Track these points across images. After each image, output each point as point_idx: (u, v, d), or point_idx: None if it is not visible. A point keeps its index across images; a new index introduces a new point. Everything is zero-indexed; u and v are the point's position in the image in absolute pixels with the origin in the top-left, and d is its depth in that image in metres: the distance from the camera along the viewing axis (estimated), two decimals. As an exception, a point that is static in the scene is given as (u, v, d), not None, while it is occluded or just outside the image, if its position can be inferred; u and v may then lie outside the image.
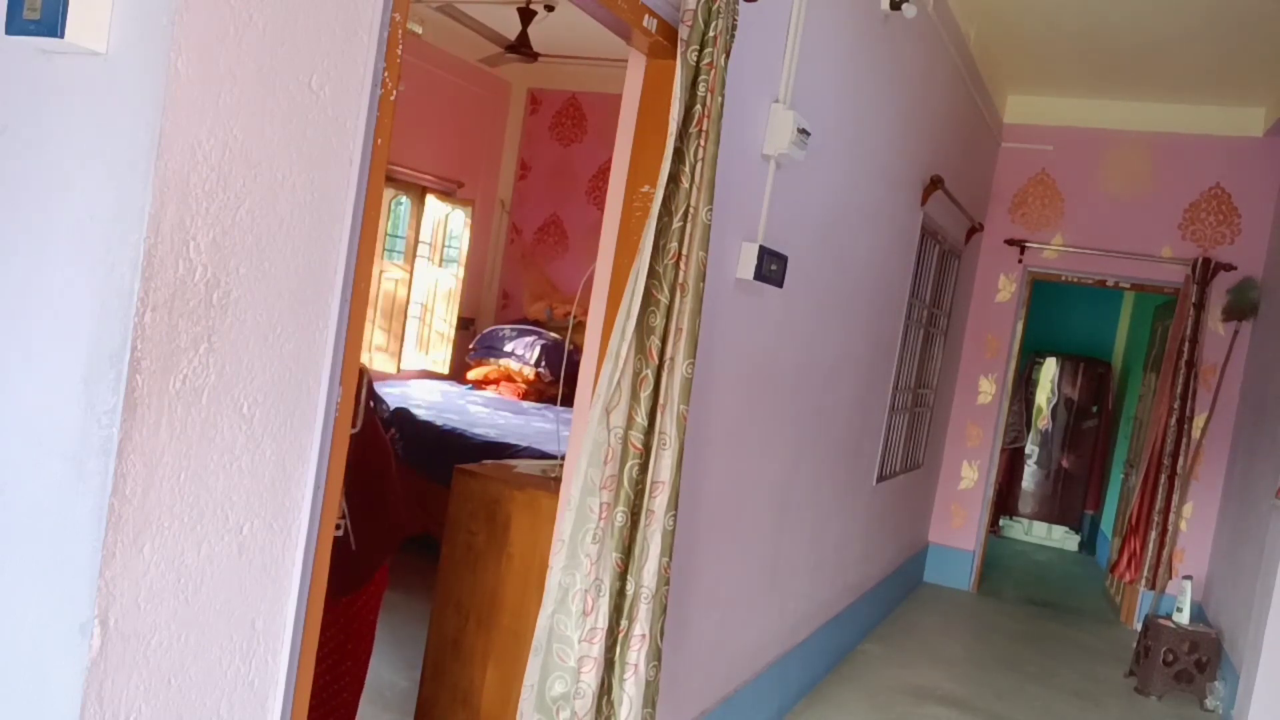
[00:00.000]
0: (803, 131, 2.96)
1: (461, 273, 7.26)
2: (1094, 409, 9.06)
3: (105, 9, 1.24)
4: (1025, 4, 4.82)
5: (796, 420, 3.69)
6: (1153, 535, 5.90)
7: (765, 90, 2.88)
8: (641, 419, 2.16)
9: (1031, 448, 9.14)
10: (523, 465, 3.14)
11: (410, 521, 2.57)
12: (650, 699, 2.26)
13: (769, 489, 3.53)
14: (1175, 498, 5.91)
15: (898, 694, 4.55)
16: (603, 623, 2.18)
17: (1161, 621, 5.13)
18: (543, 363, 6.50)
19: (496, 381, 6.65)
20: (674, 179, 2.16)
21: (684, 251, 2.18)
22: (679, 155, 2.16)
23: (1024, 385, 8.83)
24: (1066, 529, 9.07)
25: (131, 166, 1.24)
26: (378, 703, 3.43)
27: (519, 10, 5.23)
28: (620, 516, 2.17)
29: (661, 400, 2.20)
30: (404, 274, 6.85)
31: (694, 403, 2.53)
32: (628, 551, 2.21)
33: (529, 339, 6.61)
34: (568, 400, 3.63)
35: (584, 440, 2.15)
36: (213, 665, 1.44)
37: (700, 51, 2.16)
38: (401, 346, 6.85)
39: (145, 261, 1.23)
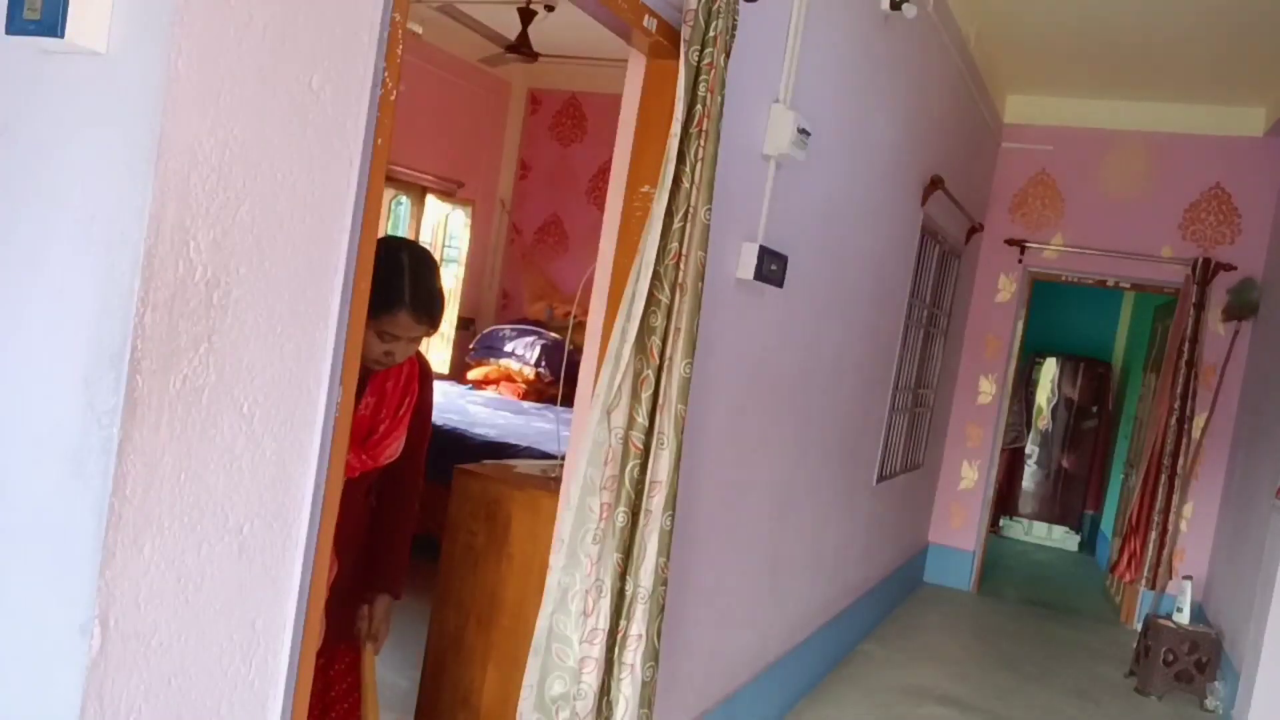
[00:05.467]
0: (803, 131, 2.96)
1: (461, 273, 7.26)
2: (1094, 409, 9.06)
3: (105, 9, 1.24)
4: (1025, 4, 4.82)
5: (796, 420, 3.69)
6: (1153, 535, 5.90)
7: (765, 90, 2.88)
8: (642, 419, 2.16)
9: (1031, 448, 9.14)
10: (523, 465, 3.14)
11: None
12: (647, 699, 2.26)
13: (768, 489, 3.53)
14: (1175, 498, 5.91)
15: (898, 694, 4.55)
16: (603, 624, 2.18)
17: (1161, 621, 5.13)
18: (543, 363, 6.49)
19: (496, 381, 6.65)
20: (674, 179, 2.16)
21: (684, 251, 2.18)
22: (679, 155, 2.16)
23: (1024, 385, 8.83)
24: (1066, 529, 9.07)
25: (131, 166, 1.24)
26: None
27: (519, 10, 5.23)
28: (621, 517, 2.17)
29: (660, 400, 2.20)
30: (404, 274, 6.84)
31: (693, 403, 2.52)
32: (627, 552, 2.21)
33: (529, 339, 6.61)
34: (568, 400, 3.63)
35: (584, 440, 2.15)
36: (213, 665, 1.44)
37: (700, 51, 2.16)
38: (401, 346, 6.84)
39: (145, 261, 1.23)
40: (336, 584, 2.15)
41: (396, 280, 1.96)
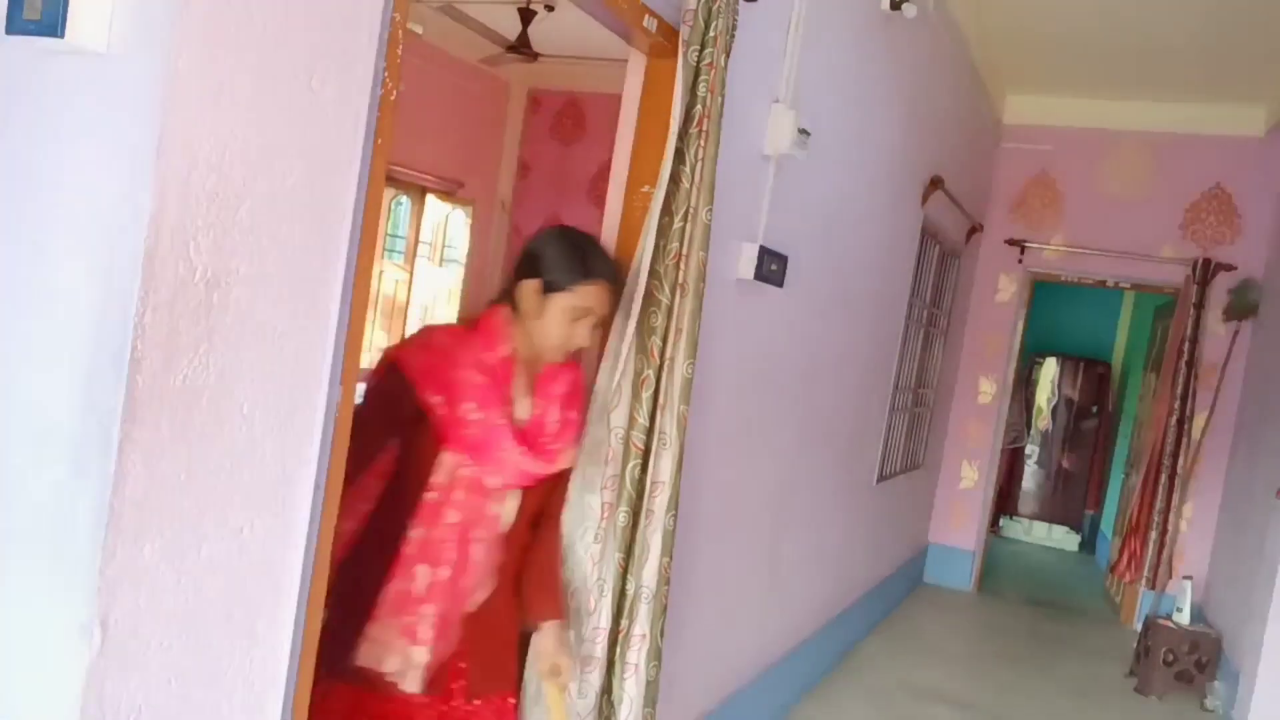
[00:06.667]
0: (803, 131, 2.96)
1: (462, 273, 7.26)
2: (1094, 409, 9.05)
3: (105, 9, 1.24)
4: (1025, 4, 4.82)
5: (797, 420, 3.69)
6: (1153, 535, 5.90)
7: (765, 90, 2.88)
8: (643, 419, 2.16)
9: (1031, 448, 9.13)
10: (523, 465, 3.13)
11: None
12: (651, 699, 2.26)
13: (769, 489, 3.53)
14: (1175, 498, 5.91)
15: (898, 693, 4.55)
16: (605, 623, 2.18)
17: (1161, 621, 5.13)
18: (543, 363, 6.49)
19: (496, 381, 6.64)
20: (674, 179, 2.16)
21: (684, 251, 2.18)
22: (679, 155, 2.16)
23: (1024, 385, 8.83)
24: (1066, 529, 9.07)
25: (131, 166, 1.24)
26: (378, 703, 3.42)
27: (519, 10, 5.23)
28: (623, 517, 2.17)
29: (661, 400, 2.20)
30: (404, 274, 6.84)
31: (694, 403, 2.52)
32: (629, 551, 2.21)
33: (529, 339, 6.60)
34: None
35: (583, 439, 2.15)
36: (213, 665, 1.43)
37: (700, 51, 2.16)
38: (402, 346, 6.84)
39: (145, 261, 1.23)
40: (484, 616, 1.95)
41: (586, 252, 1.91)
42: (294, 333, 1.46)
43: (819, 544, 4.27)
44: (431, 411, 1.82)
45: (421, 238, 6.94)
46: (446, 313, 7.22)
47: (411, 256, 6.89)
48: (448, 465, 1.84)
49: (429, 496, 1.85)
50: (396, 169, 6.40)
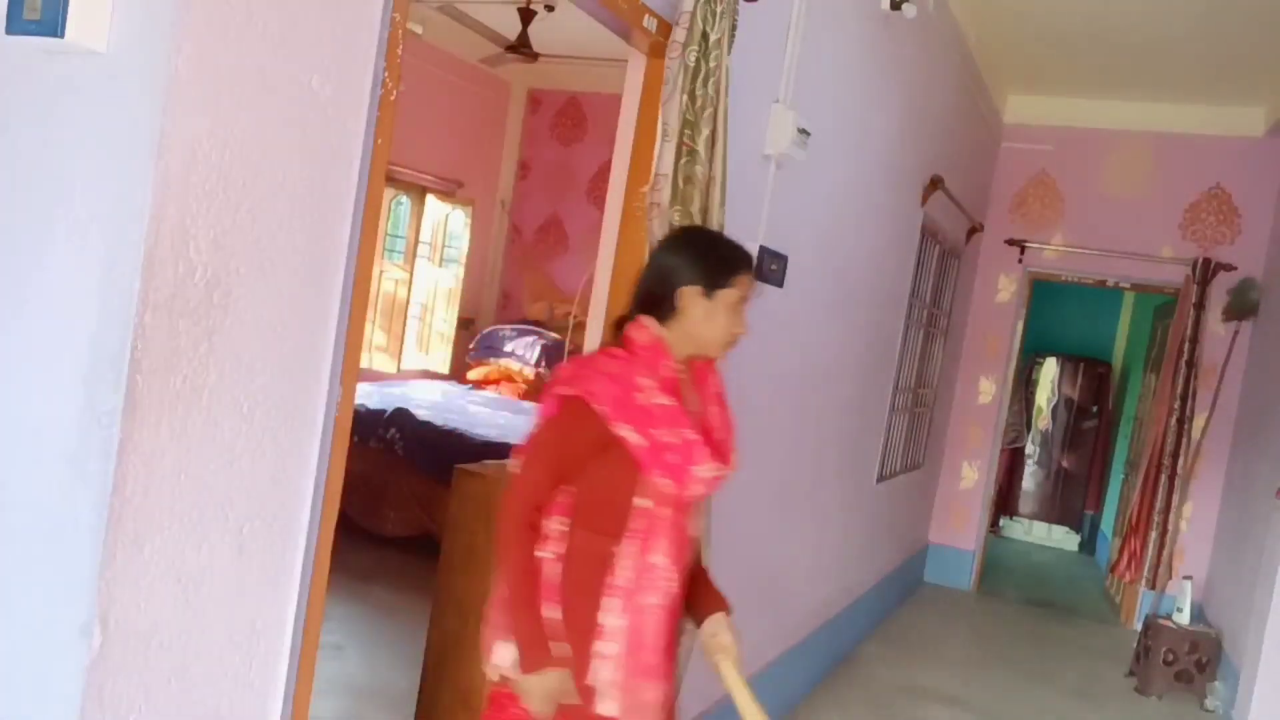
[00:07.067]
0: (803, 131, 2.96)
1: (461, 273, 7.26)
2: (1094, 409, 9.05)
3: (105, 9, 1.24)
4: (1025, 4, 4.82)
5: (796, 420, 3.69)
6: (1153, 535, 5.90)
7: (765, 90, 2.88)
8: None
9: (1031, 448, 9.13)
10: (523, 465, 3.14)
11: None
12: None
13: (769, 488, 3.53)
14: (1175, 498, 5.91)
15: (898, 694, 4.55)
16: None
17: (1161, 621, 5.12)
18: (543, 363, 6.50)
19: (497, 381, 6.65)
20: (688, 179, 2.17)
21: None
22: (692, 155, 2.17)
23: (1024, 385, 8.83)
24: (1066, 529, 9.06)
25: (131, 166, 1.24)
26: (378, 702, 3.43)
27: (519, 10, 5.23)
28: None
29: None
30: (404, 274, 6.84)
31: (694, 403, 2.52)
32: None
33: (529, 339, 6.61)
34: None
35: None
36: (213, 665, 1.44)
37: (706, 54, 2.17)
38: (402, 346, 6.85)
39: (145, 261, 1.23)
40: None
41: (724, 245, 1.95)
42: (294, 333, 1.46)
43: (819, 543, 4.27)
44: (623, 442, 1.77)
45: (421, 238, 6.94)
46: (445, 312, 7.21)
47: (411, 256, 6.89)
48: (651, 491, 1.80)
49: (635, 525, 1.81)
50: (396, 169, 6.40)
